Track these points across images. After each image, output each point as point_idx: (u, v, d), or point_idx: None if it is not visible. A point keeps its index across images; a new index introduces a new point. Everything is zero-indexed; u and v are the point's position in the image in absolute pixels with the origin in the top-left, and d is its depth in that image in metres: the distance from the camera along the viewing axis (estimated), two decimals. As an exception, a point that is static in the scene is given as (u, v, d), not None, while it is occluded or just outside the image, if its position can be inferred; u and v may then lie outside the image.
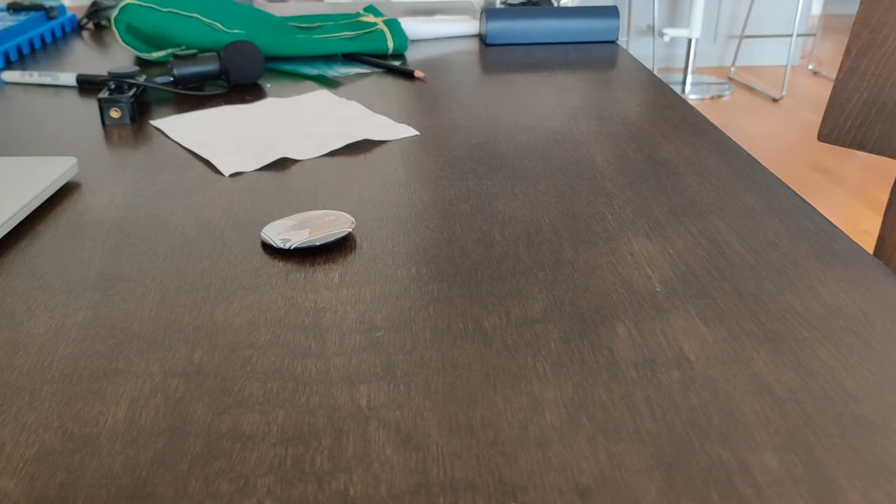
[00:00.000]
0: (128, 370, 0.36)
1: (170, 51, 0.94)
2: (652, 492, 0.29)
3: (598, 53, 0.99)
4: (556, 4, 1.12)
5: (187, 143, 0.66)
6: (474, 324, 0.40)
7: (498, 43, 1.04)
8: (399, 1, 1.46)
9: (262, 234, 0.49)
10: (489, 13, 1.04)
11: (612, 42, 1.05)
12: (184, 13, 0.93)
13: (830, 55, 4.32)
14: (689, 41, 3.58)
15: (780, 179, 0.57)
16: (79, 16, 1.18)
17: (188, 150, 0.65)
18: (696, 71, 3.95)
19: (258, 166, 0.61)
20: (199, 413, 0.33)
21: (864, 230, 2.25)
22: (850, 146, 0.75)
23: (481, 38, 1.08)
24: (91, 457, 0.31)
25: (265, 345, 0.38)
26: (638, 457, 0.31)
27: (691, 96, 3.52)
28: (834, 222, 0.50)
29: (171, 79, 0.81)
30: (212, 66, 0.82)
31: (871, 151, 0.74)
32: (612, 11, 1.04)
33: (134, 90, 0.74)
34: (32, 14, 1.06)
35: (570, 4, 1.12)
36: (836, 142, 0.78)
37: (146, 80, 0.76)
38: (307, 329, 0.39)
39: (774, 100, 3.50)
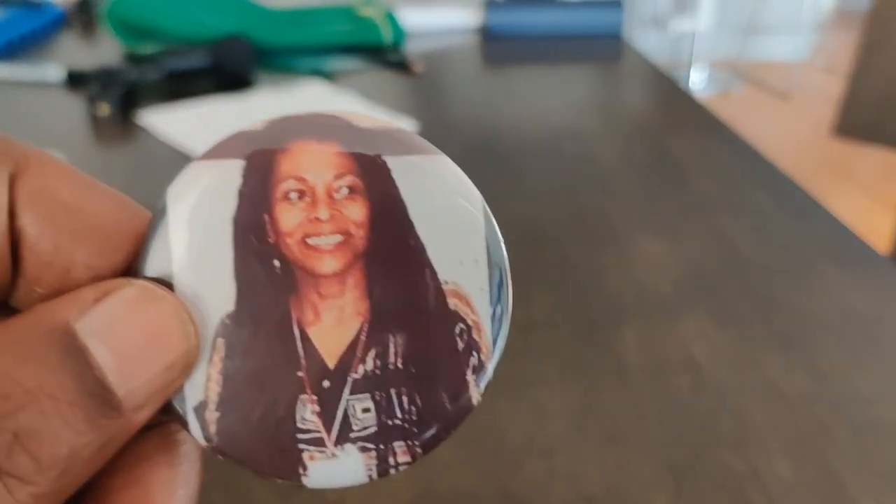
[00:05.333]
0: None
1: (161, 45, 0.93)
2: (661, 501, 0.28)
3: (602, 47, 0.98)
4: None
5: (178, 139, 0.65)
6: (477, 326, 0.39)
7: (500, 36, 1.03)
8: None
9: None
10: (491, 5, 1.03)
11: (617, 35, 1.04)
12: (175, 6, 0.92)
13: (842, 50, 4.29)
14: (696, 35, 3.57)
15: (791, 177, 0.55)
16: (68, 10, 1.17)
17: (178, 146, 0.64)
18: (704, 65, 3.93)
19: (256, 163, 0.60)
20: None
21: (878, 229, 2.24)
22: (864, 141, 0.74)
23: (482, 30, 1.07)
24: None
25: (262, 348, 0.37)
26: (647, 465, 0.30)
27: (699, 91, 3.50)
28: (846, 221, 0.49)
29: (162, 73, 0.80)
30: (203, 60, 0.81)
31: (885, 146, 0.73)
32: (616, 4, 1.03)
33: (124, 85, 0.73)
34: (21, 8, 1.05)
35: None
36: (849, 137, 0.77)
37: (136, 74, 0.75)
38: (305, 331, 0.38)
39: (785, 95, 3.48)
